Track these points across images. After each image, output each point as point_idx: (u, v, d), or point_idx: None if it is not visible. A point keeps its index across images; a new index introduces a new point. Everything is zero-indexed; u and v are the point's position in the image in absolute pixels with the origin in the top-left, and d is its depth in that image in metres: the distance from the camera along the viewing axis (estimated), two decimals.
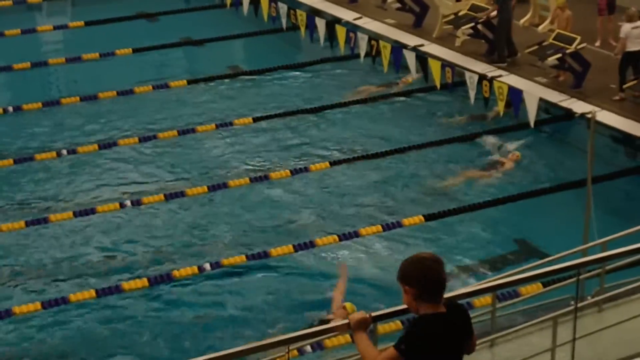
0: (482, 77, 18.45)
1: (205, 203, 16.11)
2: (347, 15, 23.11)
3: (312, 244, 14.30)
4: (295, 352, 10.62)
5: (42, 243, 14.97)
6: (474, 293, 6.29)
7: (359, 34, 20.55)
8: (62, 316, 13.17)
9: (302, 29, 21.86)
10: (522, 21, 21.54)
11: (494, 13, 20.03)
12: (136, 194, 16.23)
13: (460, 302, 5.82)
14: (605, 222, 12.32)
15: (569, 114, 17.82)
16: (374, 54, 20.29)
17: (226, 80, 21.25)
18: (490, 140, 17.71)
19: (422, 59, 19.47)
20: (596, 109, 16.17)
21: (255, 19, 23.19)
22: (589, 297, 10.47)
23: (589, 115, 13.10)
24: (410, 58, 19.42)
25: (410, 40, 21.34)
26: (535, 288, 11.62)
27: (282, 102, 19.98)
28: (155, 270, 14.01)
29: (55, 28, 23.85)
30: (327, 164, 17.00)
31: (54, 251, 14.76)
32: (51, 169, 17.30)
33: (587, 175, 11.58)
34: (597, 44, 20.17)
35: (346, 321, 5.74)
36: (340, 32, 20.89)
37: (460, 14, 21.01)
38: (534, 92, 17.67)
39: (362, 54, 20.42)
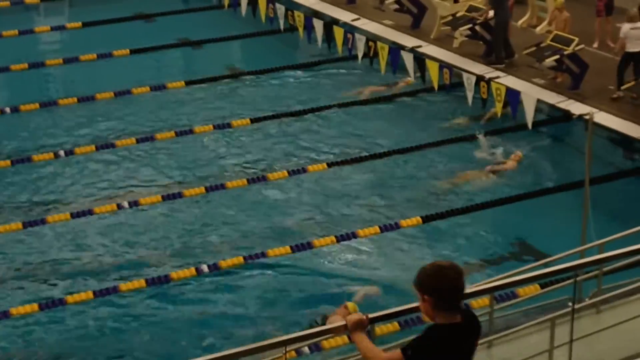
0: (479, 78, 18.42)
1: (203, 204, 16.10)
2: (344, 16, 23.10)
3: (309, 245, 14.27)
4: (293, 353, 10.62)
5: (39, 244, 14.95)
6: (471, 295, 6.27)
7: (357, 35, 20.50)
8: (59, 317, 13.16)
9: (300, 30, 21.83)
10: (520, 22, 21.53)
11: (491, 14, 20.02)
12: (133, 194, 16.22)
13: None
14: (603, 223, 12.33)
15: (566, 115, 17.82)
16: (371, 55, 20.26)
17: (224, 81, 21.20)
18: (487, 141, 17.70)
19: (420, 60, 19.45)
20: (594, 110, 16.19)
21: (253, 20, 23.17)
22: (586, 299, 10.46)
23: (587, 117, 13.08)
24: (408, 59, 19.40)
25: (408, 41, 21.33)
26: (533, 289, 11.61)
27: (279, 103, 19.95)
28: (152, 271, 14.00)
29: (53, 29, 23.77)
30: (325, 165, 16.98)
31: (51, 252, 14.75)
32: (48, 169, 17.28)
33: (584, 177, 11.58)
34: (595, 45, 20.18)
35: (343, 323, 5.73)
36: (338, 33, 20.85)
37: (458, 15, 21.03)
38: (531, 94, 17.66)
39: (360, 55, 20.38)
